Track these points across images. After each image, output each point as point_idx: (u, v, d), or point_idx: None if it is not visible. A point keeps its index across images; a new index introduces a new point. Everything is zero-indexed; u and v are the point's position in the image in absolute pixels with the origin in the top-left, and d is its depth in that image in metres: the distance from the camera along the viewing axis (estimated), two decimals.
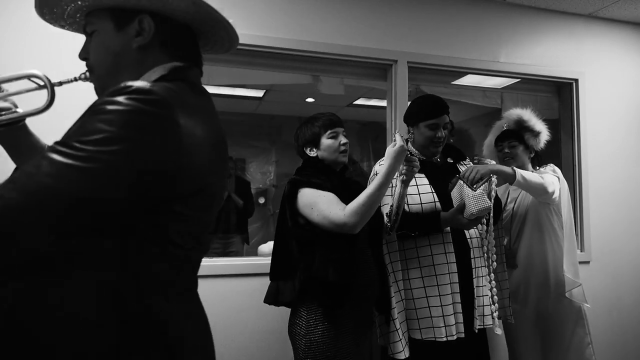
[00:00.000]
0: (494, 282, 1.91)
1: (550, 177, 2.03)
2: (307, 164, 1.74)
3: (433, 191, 1.86)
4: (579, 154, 2.91)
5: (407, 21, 2.62)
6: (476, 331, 1.81)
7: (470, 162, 2.06)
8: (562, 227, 2.16)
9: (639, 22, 3.12)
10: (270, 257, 1.76)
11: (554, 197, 2.04)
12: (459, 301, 1.78)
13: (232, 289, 2.21)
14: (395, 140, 1.59)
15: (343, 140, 1.73)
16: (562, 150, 3.02)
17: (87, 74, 0.90)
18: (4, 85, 0.96)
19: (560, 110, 3.06)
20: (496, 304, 1.88)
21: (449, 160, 2.00)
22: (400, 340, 1.71)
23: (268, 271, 1.74)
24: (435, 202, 1.83)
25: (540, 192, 1.99)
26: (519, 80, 2.94)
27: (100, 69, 0.87)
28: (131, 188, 0.69)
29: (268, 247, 2.75)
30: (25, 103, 0.95)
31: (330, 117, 1.75)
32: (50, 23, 0.94)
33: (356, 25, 2.51)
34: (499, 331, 1.89)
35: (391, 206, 1.74)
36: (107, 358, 0.70)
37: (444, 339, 1.73)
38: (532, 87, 3.02)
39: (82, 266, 0.70)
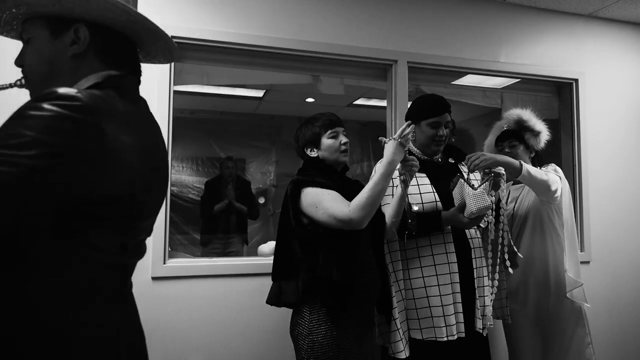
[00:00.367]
0: (496, 281, 1.91)
1: (553, 176, 2.03)
2: (308, 164, 1.74)
3: (434, 190, 1.85)
4: (579, 154, 2.91)
5: (407, 21, 2.62)
6: (480, 331, 1.82)
7: None
8: (563, 226, 2.17)
9: (639, 22, 3.12)
10: (270, 257, 1.75)
11: (556, 195, 2.04)
12: (460, 301, 1.78)
13: (232, 289, 2.20)
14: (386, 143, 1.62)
15: (343, 139, 1.72)
16: (562, 150, 3.02)
17: (23, 80, 0.90)
18: None
19: (560, 110, 3.06)
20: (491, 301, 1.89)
21: (450, 160, 2.00)
22: (401, 339, 1.71)
23: (268, 271, 1.73)
24: (436, 201, 1.83)
25: (543, 189, 1.99)
26: (519, 80, 2.94)
27: (35, 75, 0.88)
28: (49, 192, 0.69)
29: (268, 247, 2.75)
30: None
31: (330, 117, 1.75)
32: None
33: (356, 25, 2.51)
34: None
35: (405, 211, 1.73)
36: None
37: (445, 338, 1.73)
38: (532, 87, 3.02)
39: None
